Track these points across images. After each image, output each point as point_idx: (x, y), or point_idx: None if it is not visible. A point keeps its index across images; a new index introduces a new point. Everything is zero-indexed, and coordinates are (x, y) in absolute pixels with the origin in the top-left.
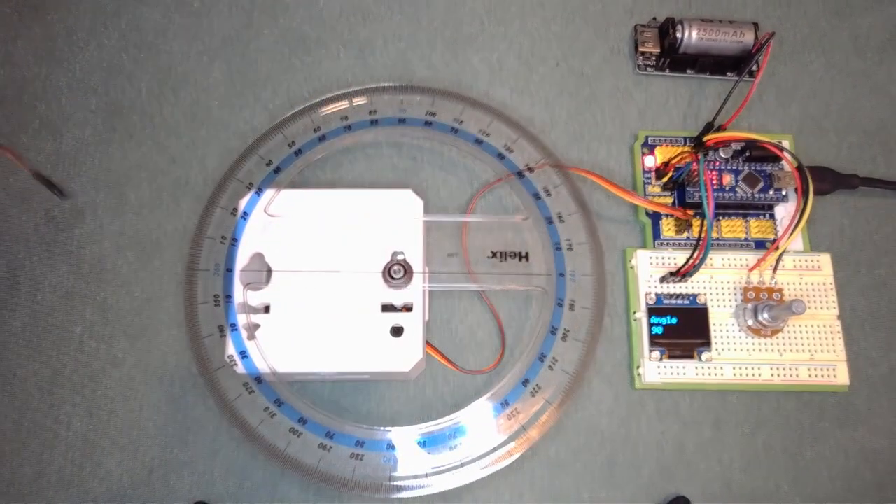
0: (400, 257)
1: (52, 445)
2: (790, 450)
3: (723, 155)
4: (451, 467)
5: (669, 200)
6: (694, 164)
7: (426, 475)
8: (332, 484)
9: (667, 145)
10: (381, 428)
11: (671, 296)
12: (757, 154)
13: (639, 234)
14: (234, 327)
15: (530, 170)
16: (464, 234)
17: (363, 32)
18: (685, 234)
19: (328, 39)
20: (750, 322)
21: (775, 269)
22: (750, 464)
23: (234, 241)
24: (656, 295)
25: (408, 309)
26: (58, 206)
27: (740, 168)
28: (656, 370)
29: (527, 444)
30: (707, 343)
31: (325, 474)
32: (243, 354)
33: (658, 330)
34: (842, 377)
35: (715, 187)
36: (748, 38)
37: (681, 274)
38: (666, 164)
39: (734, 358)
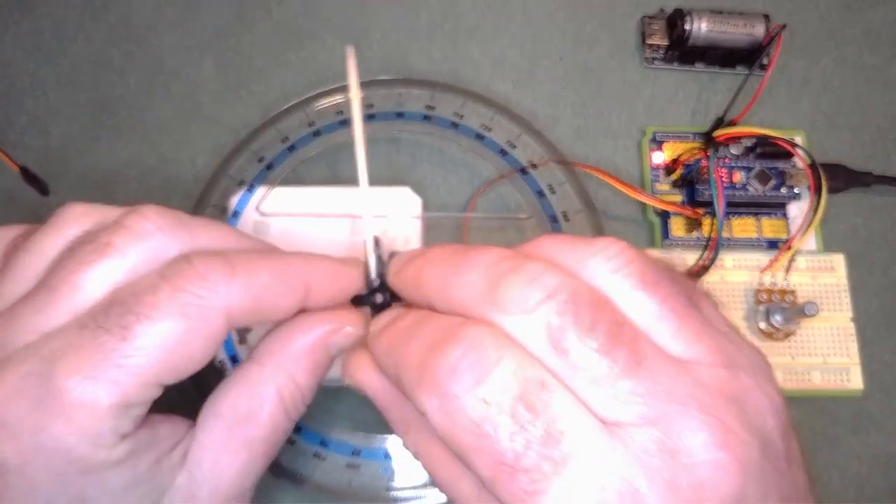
0: None
1: None
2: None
3: (733, 151)
4: None
5: (678, 199)
6: (704, 160)
7: (424, 486)
8: (327, 494)
9: (675, 141)
10: (378, 436)
11: None
12: (768, 150)
13: (647, 234)
14: None
15: (534, 166)
16: (464, 233)
17: (359, 24)
18: (695, 234)
19: (323, 31)
20: (762, 325)
21: (788, 269)
22: None
23: None
24: None
25: None
26: (45, 205)
27: (751, 165)
28: None
29: None
30: None
31: (319, 484)
32: (234, 359)
33: None
34: (855, 381)
35: (725, 185)
36: (759, 30)
37: (691, 275)
38: (675, 160)
39: None
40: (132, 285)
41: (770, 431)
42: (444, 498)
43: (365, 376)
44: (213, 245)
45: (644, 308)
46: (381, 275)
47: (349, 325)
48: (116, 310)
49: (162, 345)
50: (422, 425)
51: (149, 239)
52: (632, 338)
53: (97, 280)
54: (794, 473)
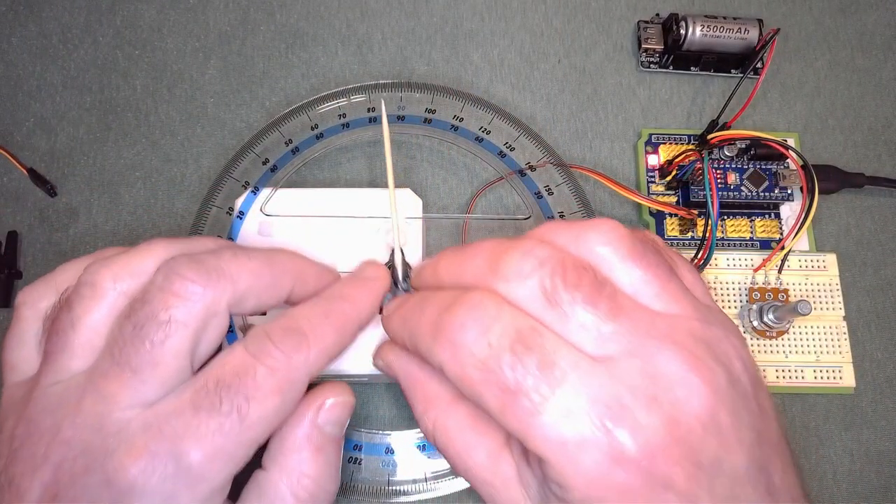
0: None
1: None
2: (795, 452)
3: (727, 153)
4: (451, 472)
5: (673, 199)
6: (698, 162)
7: (426, 480)
8: None
9: (671, 143)
10: (380, 432)
11: None
12: (762, 152)
13: None
14: (229, 329)
15: (531, 168)
16: (464, 234)
17: (361, 28)
18: (689, 234)
19: (325, 35)
20: (755, 323)
21: (780, 269)
22: None
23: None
24: None
25: None
26: (52, 206)
27: (745, 167)
28: None
29: None
30: None
31: None
32: None
33: None
34: (847, 379)
35: (719, 186)
36: (752, 34)
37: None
38: (670, 162)
39: None
40: (228, 364)
41: (737, 372)
42: (441, 493)
43: (390, 355)
44: (248, 283)
45: (630, 275)
46: (407, 277)
47: (330, 397)
48: (225, 392)
49: (267, 418)
50: (440, 397)
51: (199, 301)
52: (612, 292)
53: (172, 354)
54: (767, 419)
